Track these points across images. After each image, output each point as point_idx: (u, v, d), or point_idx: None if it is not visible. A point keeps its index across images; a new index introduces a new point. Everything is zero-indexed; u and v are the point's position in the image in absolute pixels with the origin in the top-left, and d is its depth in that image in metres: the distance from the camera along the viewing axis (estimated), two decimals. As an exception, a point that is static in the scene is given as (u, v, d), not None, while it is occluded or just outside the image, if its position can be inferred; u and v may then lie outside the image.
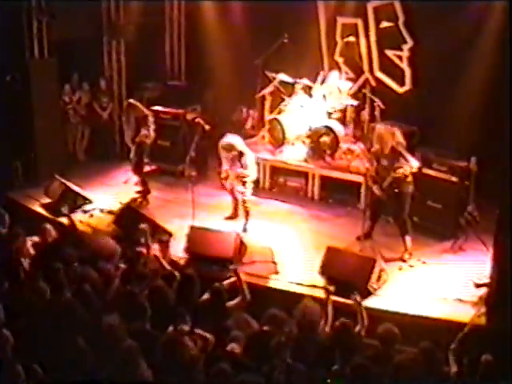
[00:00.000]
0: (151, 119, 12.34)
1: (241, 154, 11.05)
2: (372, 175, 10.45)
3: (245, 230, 11.19)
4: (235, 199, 11.52)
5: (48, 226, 9.76)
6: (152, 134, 12.33)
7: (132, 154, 12.50)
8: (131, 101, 12.60)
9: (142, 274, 8.45)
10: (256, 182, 11.74)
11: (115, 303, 7.52)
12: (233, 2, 14.53)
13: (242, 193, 11.21)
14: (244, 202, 11.30)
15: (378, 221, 10.85)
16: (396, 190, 10.18)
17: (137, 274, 8.40)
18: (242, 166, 11.07)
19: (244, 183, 11.17)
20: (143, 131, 12.24)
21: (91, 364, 6.35)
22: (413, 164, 10.18)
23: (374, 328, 7.41)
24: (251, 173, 11.19)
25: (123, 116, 13.04)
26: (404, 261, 10.33)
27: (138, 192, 12.61)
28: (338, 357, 6.86)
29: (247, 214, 11.35)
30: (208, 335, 7.17)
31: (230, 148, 11.05)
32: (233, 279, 8.40)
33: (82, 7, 13.40)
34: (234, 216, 11.65)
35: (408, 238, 10.42)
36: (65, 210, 10.99)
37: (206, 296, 8.00)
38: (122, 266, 8.66)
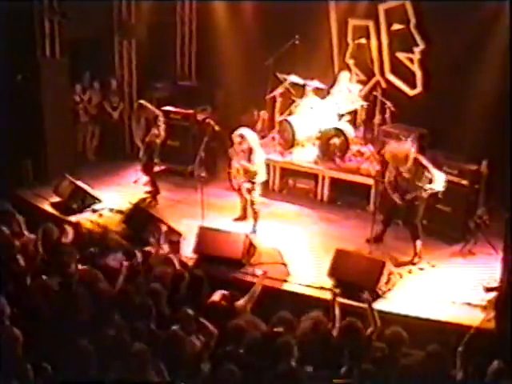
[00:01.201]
0: (162, 119, 12.36)
1: (251, 150, 11.01)
2: (391, 182, 10.34)
3: (254, 231, 11.18)
4: (243, 199, 11.51)
5: (67, 226, 9.78)
6: (162, 133, 12.34)
7: (141, 154, 12.52)
8: (142, 102, 12.60)
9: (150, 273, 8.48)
10: (265, 184, 11.74)
11: (120, 302, 7.54)
12: (244, 3, 14.52)
13: (250, 190, 11.16)
14: (252, 203, 11.28)
15: (390, 225, 10.79)
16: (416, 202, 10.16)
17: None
18: (249, 162, 11.02)
19: (252, 182, 11.15)
20: (153, 130, 12.24)
21: (96, 366, 6.37)
22: (440, 179, 10.10)
23: (383, 331, 7.40)
24: (258, 171, 11.07)
25: (133, 117, 13.05)
26: (413, 264, 10.30)
27: (148, 192, 12.61)
28: (345, 358, 6.84)
29: (256, 215, 11.33)
30: (212, 328, 7.19)
31: (240, 139, 10.98)
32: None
33: (94, 7, 13.41)
34: (242, 217, 11.63)
35: (419, 243, 10.38)
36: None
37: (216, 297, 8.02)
38: (125, 263, 8.64)
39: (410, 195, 10.12)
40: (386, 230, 10.78)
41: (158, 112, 12.43)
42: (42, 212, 12.02)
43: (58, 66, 13.40)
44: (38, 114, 13.06)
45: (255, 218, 11.32)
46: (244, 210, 11.59)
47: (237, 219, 11.64)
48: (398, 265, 10.10)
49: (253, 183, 11.11)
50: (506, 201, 8.88)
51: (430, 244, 10.83)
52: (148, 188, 12.68)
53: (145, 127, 12.37)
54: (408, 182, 10.12)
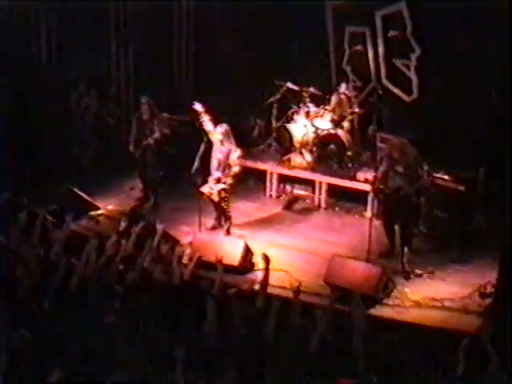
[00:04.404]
0: (157, 122, 12.33)
1: (230, 151, 11.05)
2: (382, 177, 10.33)
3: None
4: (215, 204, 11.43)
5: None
6: (159, 136, 12.28)
7: (138, 158, 12.46)
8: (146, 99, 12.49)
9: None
10: (262, 190, 11.73)
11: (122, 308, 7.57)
12: (242, 9, 14.52)
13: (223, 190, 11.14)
14: (223, 201, 11.24)
15: (394, 235, 10.64)
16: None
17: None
18: (230, 166, 11.04)
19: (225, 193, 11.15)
20: (151, 134, 12.17)
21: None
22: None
23: (380, 336, 7.41)
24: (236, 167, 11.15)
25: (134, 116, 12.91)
26: (408, 272, 10.26)
27: (138, 199, 12.56)
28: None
29: (229, 219, 11.32)
30: None
31: (227, 133, 11.05)
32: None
33: (91, 13, 13.44)
34: (217, 225, 11.55)
35: (406, 250, 10.34)
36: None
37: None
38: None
39: (403, 191, 10.08)
40: (394, 242, 10.63)
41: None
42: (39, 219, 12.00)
43: (56, 72, 13.43)
44: (36, 121, 13.07)
45: (226, 221, 11.31)
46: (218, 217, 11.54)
47: (211, 228, 11.51)
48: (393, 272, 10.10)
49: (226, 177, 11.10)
50: (504, 207, 8.87)
51: (428, 250, 10.85)
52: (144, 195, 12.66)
53: (137, 129, 12.35)
54: (402, 177, 10.09)
